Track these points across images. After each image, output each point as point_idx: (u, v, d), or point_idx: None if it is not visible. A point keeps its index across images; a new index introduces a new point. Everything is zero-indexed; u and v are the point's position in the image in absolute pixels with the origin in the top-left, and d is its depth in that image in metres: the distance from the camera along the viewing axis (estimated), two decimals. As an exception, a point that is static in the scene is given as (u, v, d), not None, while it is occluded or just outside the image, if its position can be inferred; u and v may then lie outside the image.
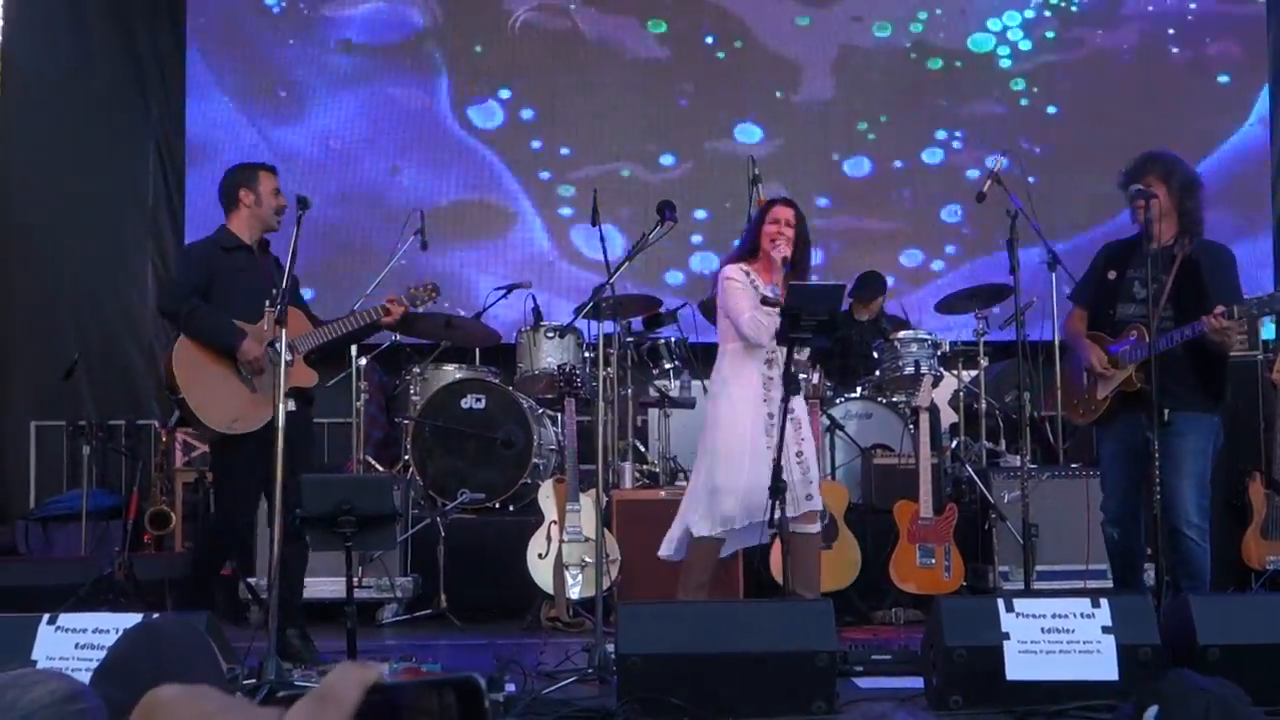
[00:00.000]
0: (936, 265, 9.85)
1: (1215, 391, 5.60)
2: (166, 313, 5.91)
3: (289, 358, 5.39)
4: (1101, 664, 4.47)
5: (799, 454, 5.78)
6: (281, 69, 9.72)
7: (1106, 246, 5.93)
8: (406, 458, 7.60)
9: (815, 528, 5.90)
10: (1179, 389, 5.36)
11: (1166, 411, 5.28)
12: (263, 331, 5.57)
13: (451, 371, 7.92)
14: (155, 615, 4.18)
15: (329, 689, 0.80)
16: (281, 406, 5.14)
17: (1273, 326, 8.63)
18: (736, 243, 6.21)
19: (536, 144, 9.77)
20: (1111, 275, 5.70)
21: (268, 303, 5.48)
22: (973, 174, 9.49)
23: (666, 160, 9.79)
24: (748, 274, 5.86)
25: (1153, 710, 2.36)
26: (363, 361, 7.82)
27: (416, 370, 7.89)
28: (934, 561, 6.91)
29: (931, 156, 9.92)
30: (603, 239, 6.12)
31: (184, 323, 5.66)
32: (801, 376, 6.51)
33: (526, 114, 9.77)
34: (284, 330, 5.14)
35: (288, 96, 9.70)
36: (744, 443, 5.68)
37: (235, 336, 5.58)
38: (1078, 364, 5.81)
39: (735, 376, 5.77)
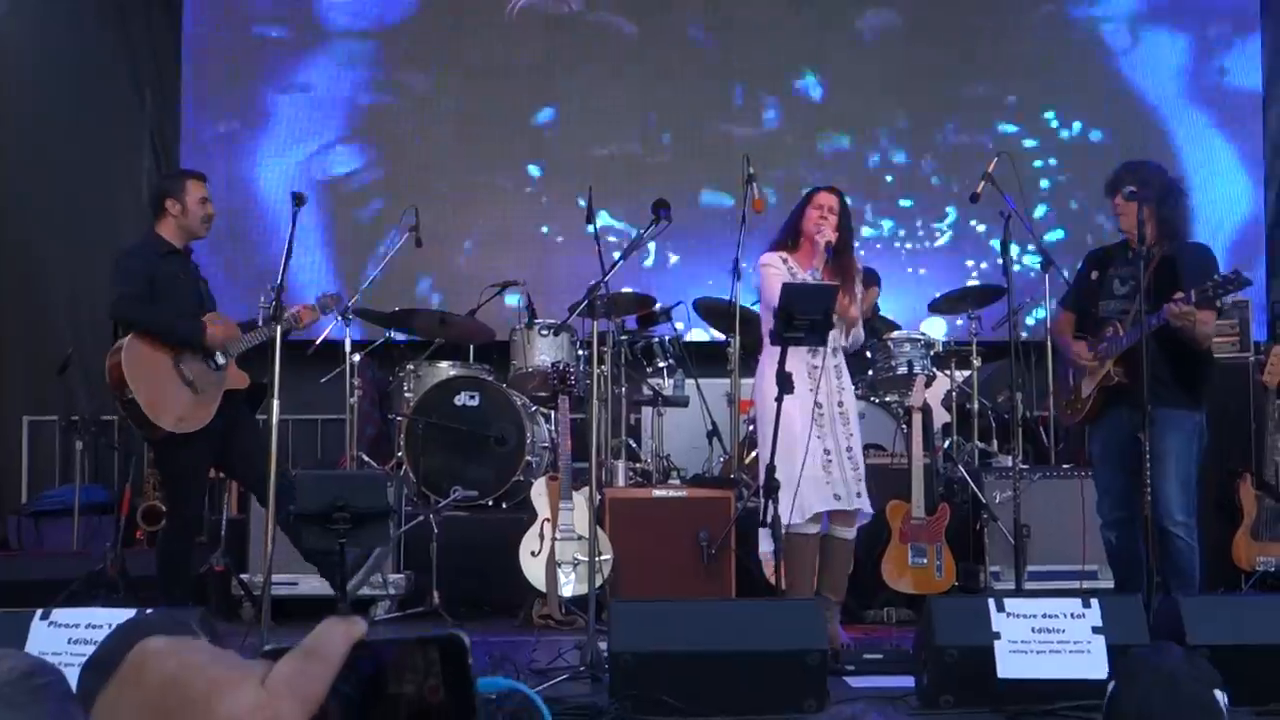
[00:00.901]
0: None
1: (1195, 389, 5.66)
2: (123, 319, 5.97)
3: (221, 361, 5.83)
4: (1092, 663, 4.50)
5: (849, 450, 5.81)
6: (277, 61, 9.69)
7: (1091, 252, 6.12)
8: (400, 454, 7.61)
9: (852, 534, 5.92)
10: (1158, 386, 5.42)
11: (1149, 409, 5.34)
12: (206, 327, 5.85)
13: (445, 368, 7.93)
14: (148, 611, 4.19)
15: (316, 643, 0.80)
16: (275, 404, 5.19)
17: (1265, 327, 8.66)
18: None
19: (533, 136, 9.73)
20: (1094, 276, 5.85)
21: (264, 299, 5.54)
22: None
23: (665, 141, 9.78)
24: (785, 261, 5.88)
25: (1111, 685, 2.39)
26: (356, 358, 7.83)
27: (410, 367, 7.90)
28: (926, 561, 6.92)
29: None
30: (597, 238, 6.15)
31: (148, 324, 5.84)
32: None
33: (520, 105, 9.73)
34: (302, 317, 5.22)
35: (283, 87, 9.67)
36: (794, 436, 5.60)
37: (199, 330, 5.83)
38: (1066, 365, 5.91)
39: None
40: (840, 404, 5.83)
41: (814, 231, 5.82)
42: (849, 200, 6.09)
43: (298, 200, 5.68)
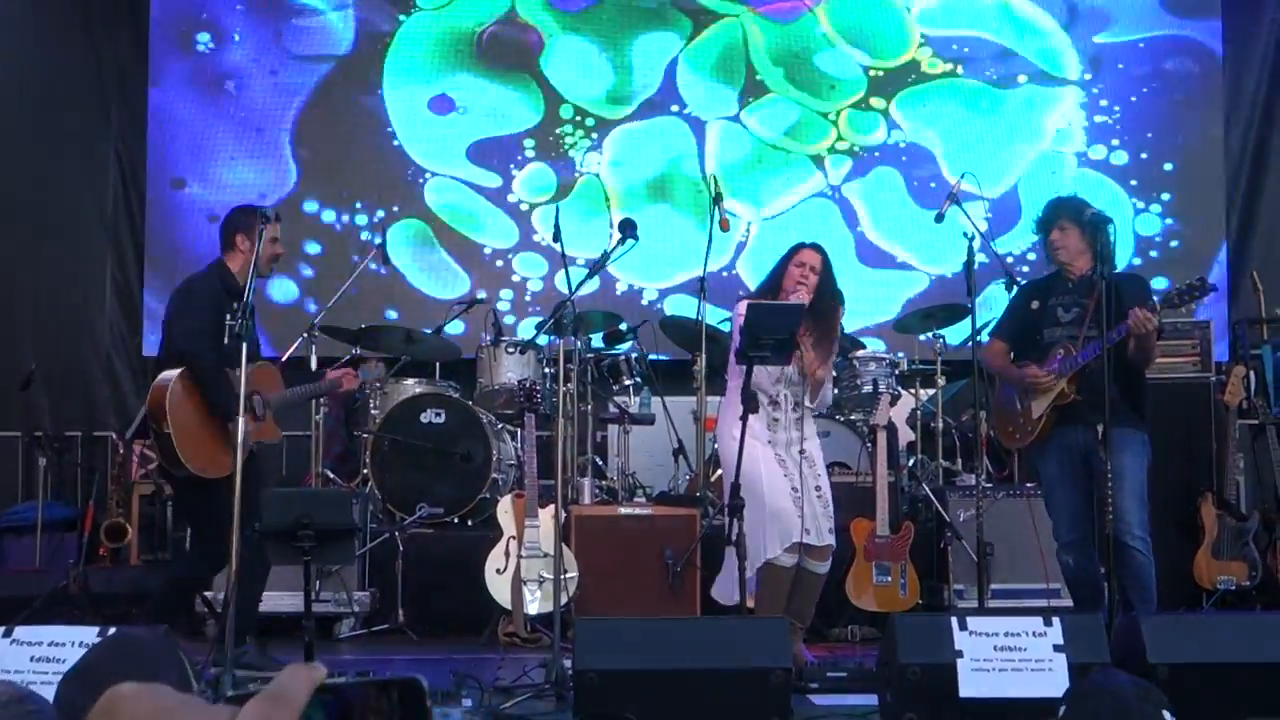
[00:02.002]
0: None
1: (1141, 408, 5.88)
2: (192, 355, 5.68)
3: (260, 414, 5.68)
4: (1053, 682, 4.52)
5: (818, 489, 5.87)
6: (244, 74, 9.66)
7: (1026, 284, 6.40)
8: (365, 471, 7.60)
9: (824, 568, 5.98)
10: (1109, 405, 5.56)
11: (1099, 428, 5.51)
12: (238, 378, 5.57)
13: (411, 386, 7.92)
14: (115, 629, 4.17)
15: (280, 689, 0.82)
16: (241, 421, 5.18)
17: (1226, 347, 8.76)
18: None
19: (500, 154, 9.73)
20: (1034, 305, 6.03)
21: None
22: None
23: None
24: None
25: (1061, 709, 2.44)
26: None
27: (377, 384, 7.89)
28: (890, 579, 6.95)
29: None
30: (564, 256, 6.17)
31: (198, 372, 5.66)
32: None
33: (488, 122, 9.73)
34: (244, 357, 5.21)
35: (250, 102, 9.64)
36: (759, 481, 5.69)
37: (233, 407, 5.38)
38: (1008, 391, 6.05)
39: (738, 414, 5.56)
40: (803, 450, 5.85)
41: (790, 290, 5.84)
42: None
43: (265, 218, 5.67)
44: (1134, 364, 5.79)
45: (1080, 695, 2.45)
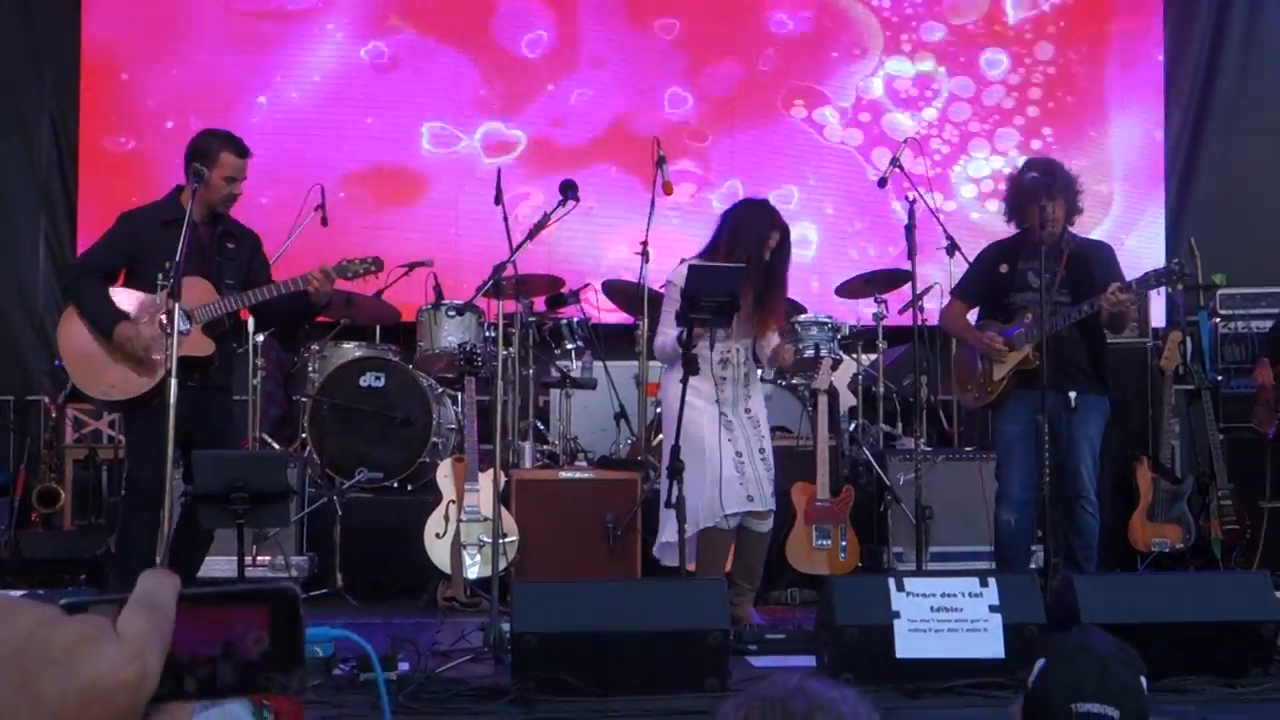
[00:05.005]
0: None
1: (1105, 375, 6.05)
2: (60, 284, 5.80)
3: (185, 327, 5.33)
4: (988, 642, 4.57)
5: (761, 451, 5.89)
6: (182, 33, 9.47)
7: (993, 245, 6.39)
8: (304, 435, 7.52)
9: (767, 527, 6.03)
10: (1077, 372, 5.71)
11: (1073, 395, 5.61)
12: (153, 305, 5.49)
13: (351, 349, 7.85)
14: (43, 593, 4.11)
15: (152, 597, 0.79)
16: (173, 383, 5.08)
17: (1164, 313, 8.83)
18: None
19: (445, 112, 9.62)
20: (1003, 269, 6.08)
21: (160, 275, 5.37)
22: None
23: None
24: None
25: (1040, 662, 2.44)
26: (260, 338, 7.72)
27: (315, 347, 7.81)
28: (830, 543, 6.98)
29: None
30: (505, 217, 6.11)
31: (73, 299, 5.67)
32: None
33: (437, 75, 9.62)
34: (176, 304, 5.08)
35: (190, 62, 9.46)
36: (702, 441, 5.70)
37: (110, 321, 5.47)
38: (970, 350, 6.07)
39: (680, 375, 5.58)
40: (748, 410, 5.88)
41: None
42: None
43: (198, 175, 5.57)
44: (1109, 330, 6.04)
45: (1062, 653, 2.46)
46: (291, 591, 0.79)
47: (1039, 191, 5.85)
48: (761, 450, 5.90)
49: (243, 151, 5.76)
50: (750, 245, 5.84)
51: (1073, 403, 5.71)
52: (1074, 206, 5.92)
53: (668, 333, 5.83)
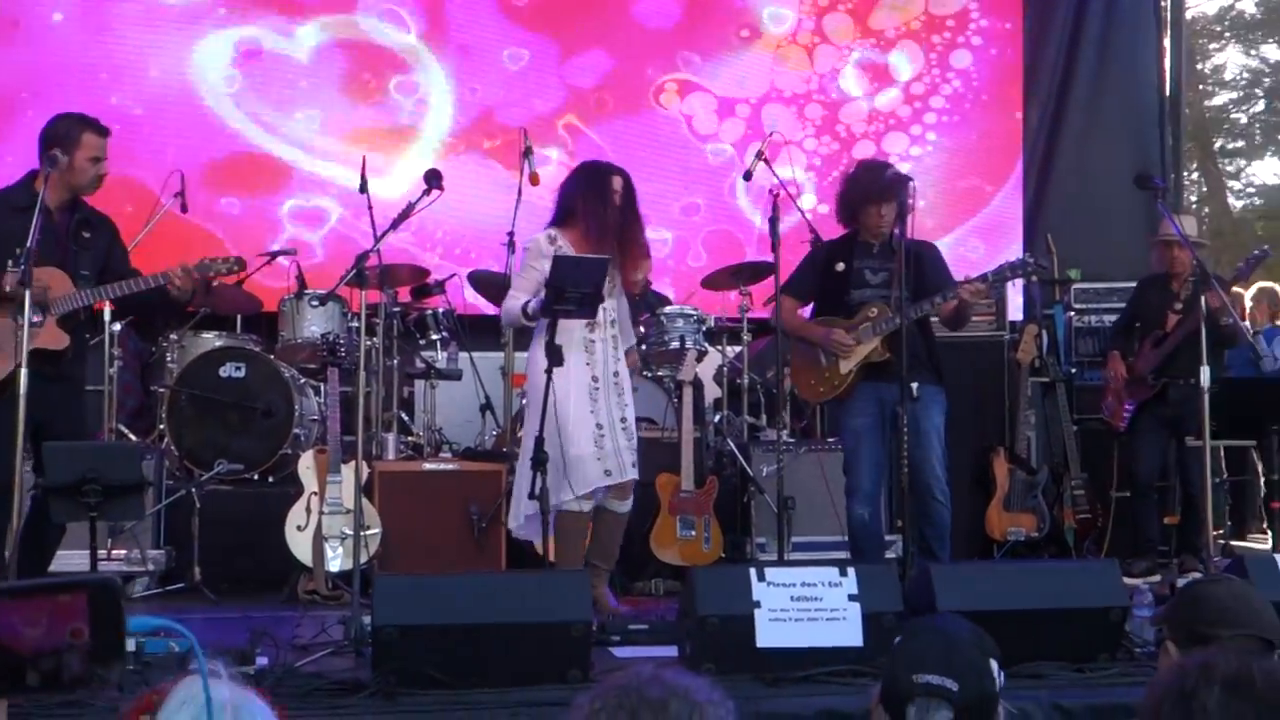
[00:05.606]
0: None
1: (939, 367, 6.26)
2: None
3: (37, 319, 5.19)
4: (847, 630, 4.64)
5: (623, 420, 5.90)
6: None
7: (823, 245, 6.65)
8: (162, 427, 7.36)
9: (626, 507, 6.05)
10: (917, 364, 5.89)
11: (915, 386, 5.75)
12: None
13: (210, 339, 7.69)
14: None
15: None
16: (24, 373, 4.94)
17: (1021, 307, 9.04)
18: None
19: (312, 99, 9.44)
20: (839, 267, 6.25)
21: (10, 262, 5.21)
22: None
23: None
24: (554, 241, 5.87)
25: (895, 639, 2.55)
26: (116, 327, 7.54)
27: (174, 337, 7.64)
28: (694, 533, 7.03)
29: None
30: (370, 206, 6.04)
31: None
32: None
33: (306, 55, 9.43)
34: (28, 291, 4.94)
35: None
36: (566, 414, 5.69)
37: None
38: (808, 346, 6.24)
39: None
40: (616, 374, 5.92)
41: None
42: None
43: (53, 161, 5.41)
44: (949, 327, 6.34)
45: (912, 633, 2.55)
46: (113, 582, 0.78)
47: (872, 194, 6.09)
48: (624, 420, 5.91)
49: (103, 131, 5.66)
50: (598, 200, 5.92)
51: (915, 393, 5.85)
52: (904, 207, 6.07)
53: (518, 297, 5.83)
